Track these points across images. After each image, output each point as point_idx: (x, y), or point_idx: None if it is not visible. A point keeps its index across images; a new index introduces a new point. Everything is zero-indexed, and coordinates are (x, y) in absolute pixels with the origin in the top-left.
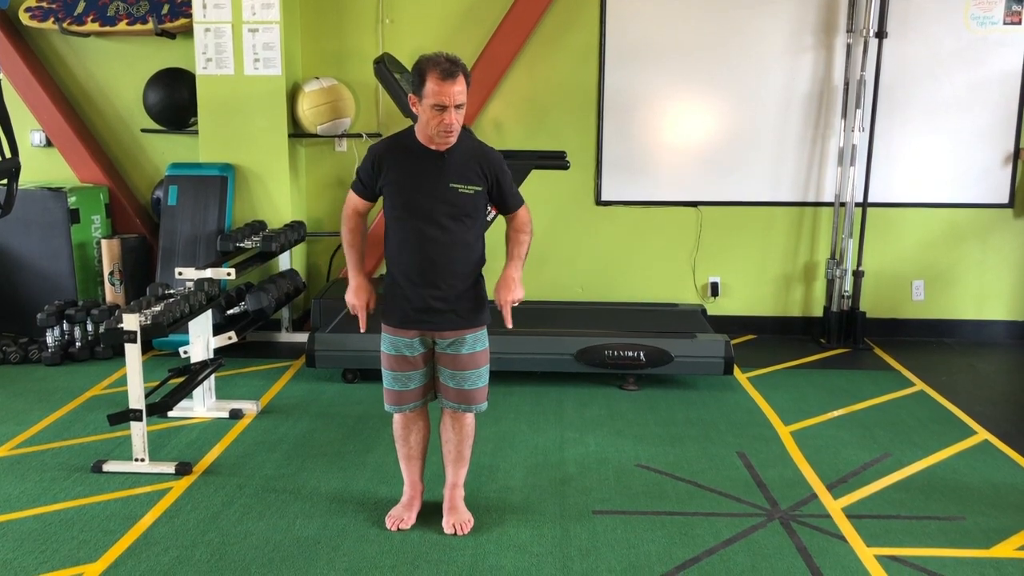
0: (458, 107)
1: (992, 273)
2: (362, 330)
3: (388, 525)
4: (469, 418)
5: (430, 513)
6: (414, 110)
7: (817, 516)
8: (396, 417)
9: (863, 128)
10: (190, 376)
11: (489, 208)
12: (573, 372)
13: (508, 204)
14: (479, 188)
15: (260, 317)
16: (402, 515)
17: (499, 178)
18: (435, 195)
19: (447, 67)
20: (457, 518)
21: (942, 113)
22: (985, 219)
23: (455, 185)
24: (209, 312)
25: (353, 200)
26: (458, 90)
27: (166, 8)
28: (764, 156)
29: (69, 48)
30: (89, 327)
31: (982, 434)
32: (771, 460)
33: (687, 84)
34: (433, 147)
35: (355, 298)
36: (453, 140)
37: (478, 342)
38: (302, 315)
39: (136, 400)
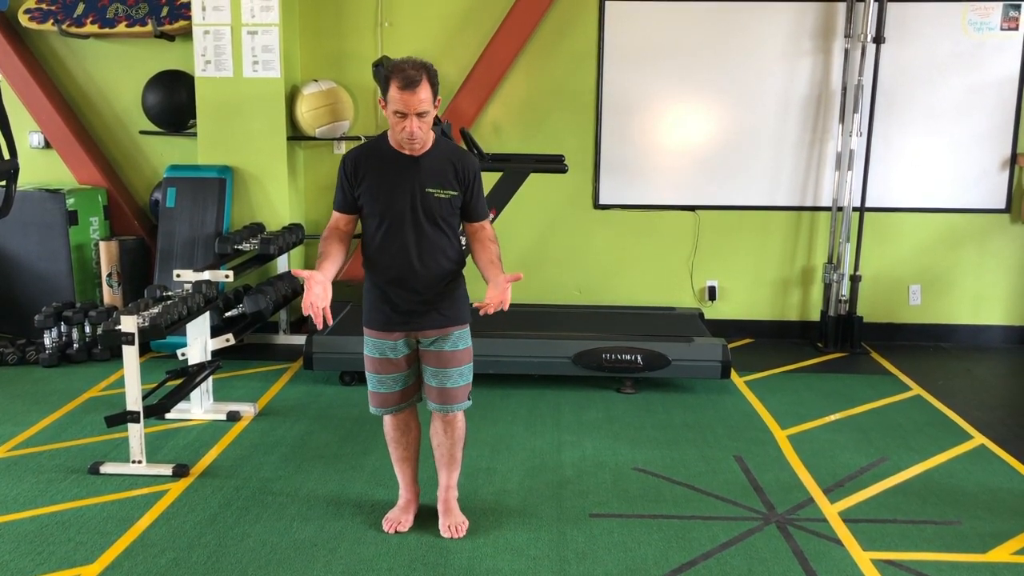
0: (420, 115)
1: (989, 277)
2: (320, 326)
3: (385, 528)
4: (459, 420)
5: (427, 516)
6: (384, 113)
7: (814, 520)
8: (386, 419)
9: (861, 132)
10: (188, 378)
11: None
12: (570, 375)
13: (478, 212)
14: (455, 193)
15: (258, 319)
16: (399, 518)
17: (473, 185)
18: (412, 200)
19: (409, 75)
20: (452, 520)
21: (940, 118)
22: (982, 224)
23: (431, 190)
24: (207, 314)
25: (333, 219)
26: (419, 99)
27: (165, 10)
28: (762, 160)
29: (68, 50)
30: (87, 328)
31: (978, 438)
32: (768, 464)
33: (685, 88)
34: (406, 152)
35: (309, 275)
36: (419, 147)
37: (460, 340)
38: (300, 317)
39: (133, 402)
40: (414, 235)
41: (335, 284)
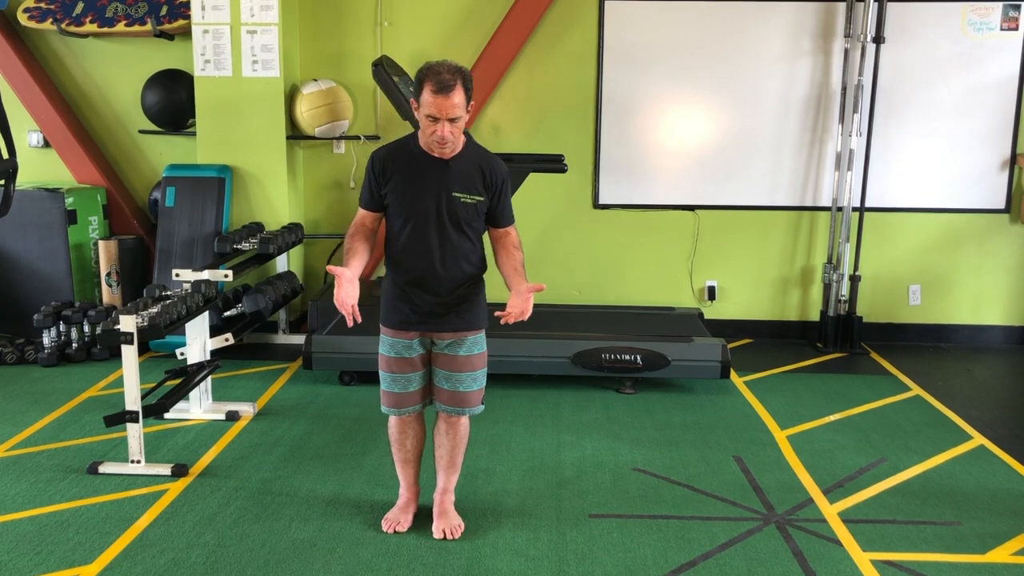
0: (452, 120)
1: (989, 278)
2: (351, 323)
3: (384, 528)
4: (463, 423)
5: (426, 517)
6: (416, 115)
7: (813, 520)
8: (392, 420)
9: (861, 132)
10: (187, 378)
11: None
12: (570, 375)
13: (504, 218)
14: (481, 198)
15: (257, 319)
16: (398, 518)
17: (501, 191)
18: (437, 203)
19: (444, 79)
20: (447, 523)
21: (939, 118)
22: (982, 224)
23: (458, 194)
24: (206, 314)
25: (359, 215)
26: (453, 103)
27: (164, 9)
28: (762, 160)
29: (67, 49)
30: (86, 328)
31: (978, 439)
32: (767, 464)
33: (685, 88)
34: (436, 155)
35: (340, 273)
36: (448, 151)
37: (476, 344)
38: (299, 317)
39: (132, 402)
40: (438, 238)
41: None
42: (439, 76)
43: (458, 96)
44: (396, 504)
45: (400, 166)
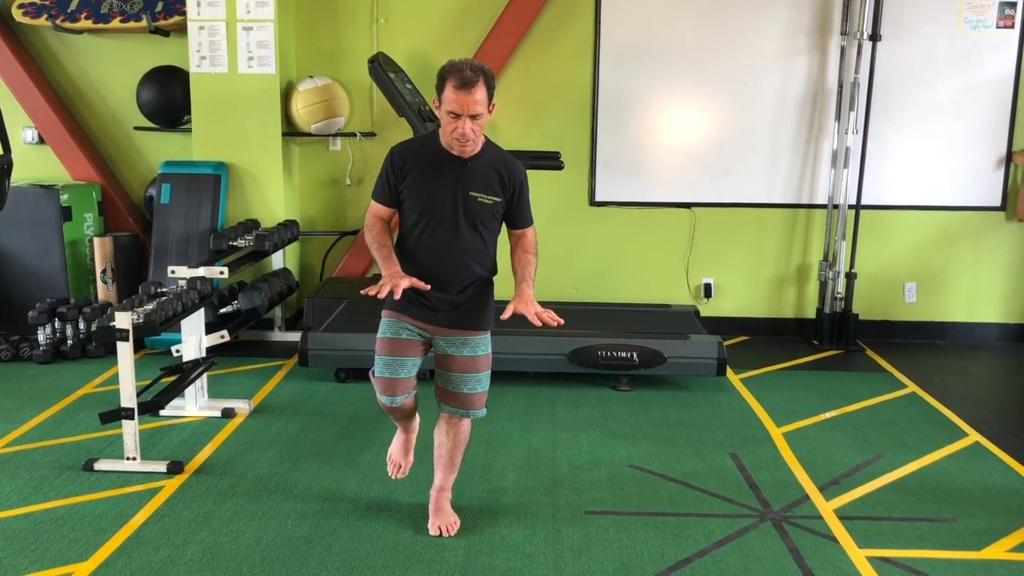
0: (473, 117)
1: (984, 276)
2: (397, 296)
3: (389, 471)
4: (466, 425)
5: (423, 514)
6: (437, 113)
7: (809, 517)
8: (386, 410)
9: (857, 130)
10: (182, 375)
11: None
12: (566, 372)
13: (521, 220)
14: (498, 199)
15: (253, 316)
16: (399, 462)
17: (519, 192)
18: (454, 202)
19: (466, 76)
20: (443, 520)
21: (935, 116)
22: (978, 222)
23: (475, 194)
24: (202, 311)
25: (374, 208)
26: (475, 100)
27: (160, 5)
28: (758, 158)
29: (62, 45)
30: (81, 325)
31: (973, 436)
32: (763, 461)
33: (682, 85)
34: (456, 153)
35: (399, 278)
36: (468, 149)
37: (479, 346)
38: (295, 314)
39: (128, 398)
40: (451, 236)
41: (332, 282)
42: (462, 73)
43: (480, 93)
44: (396, 439)
45: (419, 162)
